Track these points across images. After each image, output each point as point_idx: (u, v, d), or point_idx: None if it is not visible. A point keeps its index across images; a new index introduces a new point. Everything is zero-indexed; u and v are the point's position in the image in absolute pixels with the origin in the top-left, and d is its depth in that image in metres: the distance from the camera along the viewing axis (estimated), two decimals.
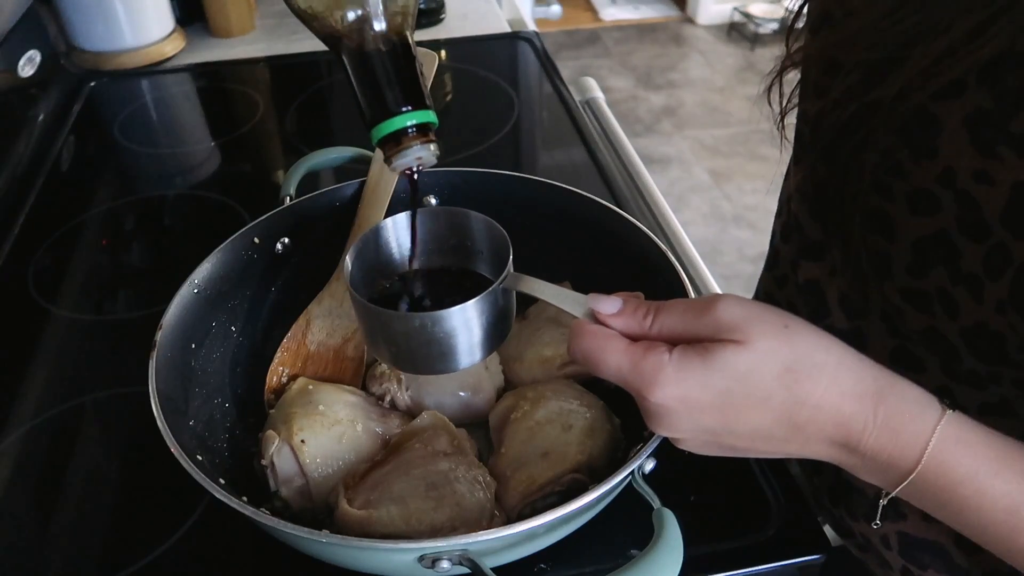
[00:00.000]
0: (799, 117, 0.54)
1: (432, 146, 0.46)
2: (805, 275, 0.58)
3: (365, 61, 0.45)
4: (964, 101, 0.40)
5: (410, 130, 0.45)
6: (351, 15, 0.45)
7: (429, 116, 0.46)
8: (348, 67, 0.46)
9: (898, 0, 0.41)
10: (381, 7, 0.45)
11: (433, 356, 0.50)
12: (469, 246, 0.56)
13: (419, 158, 0.46)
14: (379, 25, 0.45)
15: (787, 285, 0.63)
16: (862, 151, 0.45)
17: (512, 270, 0.50)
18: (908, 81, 0.41)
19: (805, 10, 0.52)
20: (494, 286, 0.49)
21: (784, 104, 0.54)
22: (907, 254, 0.46)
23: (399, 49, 0.45)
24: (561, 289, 0.47)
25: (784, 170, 0.64)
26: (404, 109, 0.45)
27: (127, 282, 0.88)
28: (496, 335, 0.51)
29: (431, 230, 0.56)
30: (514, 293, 0.51)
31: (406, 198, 0.65)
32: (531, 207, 0.70)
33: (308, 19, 0.46)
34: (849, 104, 0.45)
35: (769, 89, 0.53)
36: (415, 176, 0.50)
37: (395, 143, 0.46)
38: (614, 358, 0.42)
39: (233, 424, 0.62)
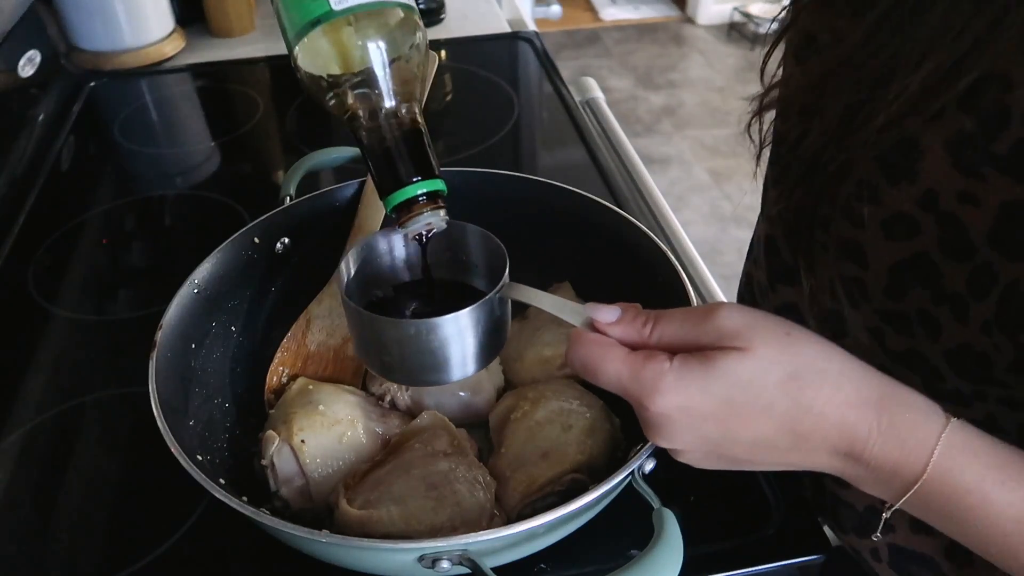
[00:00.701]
0: (778, 139, 0.54)
1: (441, 212, 0.49)
2: (782, 298, 0.57)
3: (376, 136, 0.48)
4: (944, 123, 0.40)
5: (420, 198, 0.48)
6: (362, 95, 0.48)
7: (438, 185, 0.48)
8: (360, 141, 0.49)
9: (871, 30, 0.41)
10: (391, 86, 0.47)
11: (426, 366, 0.50)
12: (465, 260, 0.56)
13: (428, 224, 0.49)
14: (389, 102, 0.48)
15: (743, 304, 0.64)
16: (840, 180, 0.45)
17: (508, 280, 0.50)
18: (887, 118, 0.40)
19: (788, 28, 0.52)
20: (491, 295, 0.49)
21: (762, 139, 0.53)
22: (883, 278, 0.46)
23: (408, 123, 0.48)
24: (558, 299, 0.47)
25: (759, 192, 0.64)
26: (414, 179, 0.47)
27: (127, 282, 0.88)
28: (490, 347, 0.51)
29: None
30: (509, 305, 0.51)
31: None
32: (531, 207, 0.70)
33: (321, 97, 0.49)
34: (828, 143, 0.45)
35: (749, 126, 0.53)
36: (426, 241, 0.53)
37: (407, 211, 0.48)
38: (613, 366, 0.41)
39: (233, 424, 0.62)
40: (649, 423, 0.41)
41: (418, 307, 0.56)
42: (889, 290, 0.46)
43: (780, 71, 0.52)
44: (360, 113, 0.48)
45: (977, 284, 0.41)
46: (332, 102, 0.48)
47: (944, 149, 0.40)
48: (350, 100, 0.48)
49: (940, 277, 0.43)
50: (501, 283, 0.49)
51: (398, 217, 0.49)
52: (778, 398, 0.39)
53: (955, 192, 0.40)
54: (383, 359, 0.52)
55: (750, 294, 0.65)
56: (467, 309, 0.48)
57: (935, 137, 0.41)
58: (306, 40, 0.46)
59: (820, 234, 0.48)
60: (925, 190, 0.42)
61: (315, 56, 0.47)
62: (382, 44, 0.47)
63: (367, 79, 0.47)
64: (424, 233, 0.51)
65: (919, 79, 0.38)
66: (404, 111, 0.48)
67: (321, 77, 0.48)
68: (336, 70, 0.47)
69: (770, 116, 0.53)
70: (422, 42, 0.49)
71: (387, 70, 0.47)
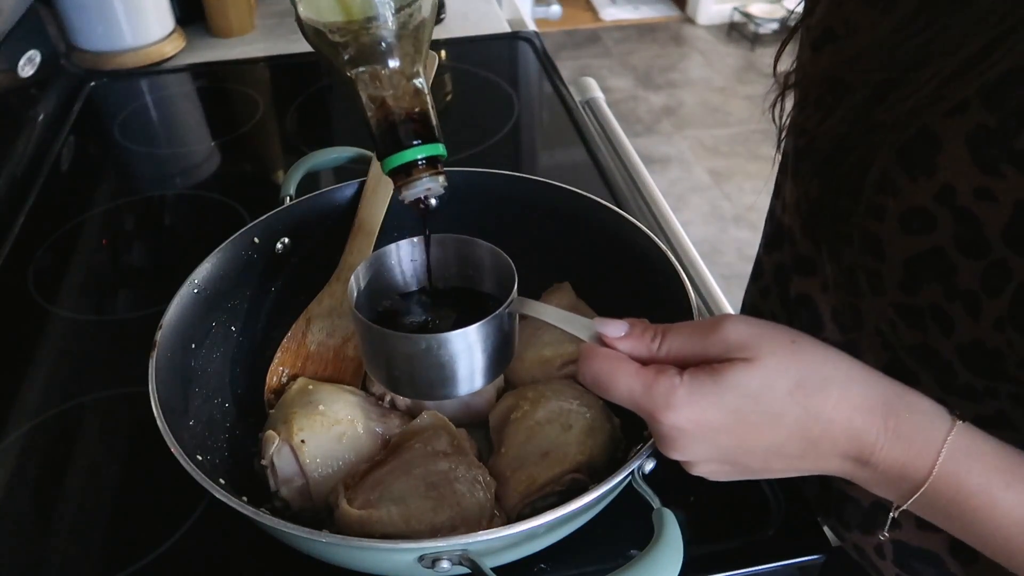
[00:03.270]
0: (795, 131, 0.54)
1: (441, 178, 0.48)
2: (798, 289, 0.58)
3: (378, 97, 0.47)
4: (965, 119, 0.40)
5: (420, 163, 0.47)
6: (368, 53, 0.46)
7: (438, 149, 0.47)
8: (362, 100, 0.47)
9: (907, 16, 0.41)
10: (397, 46, 0.46)
11: (434, 380, 0.50)
12: (473, 275, 0.56)
13: (428, 189, 0.48)
14: (393, 63, 0.46)
15: (770, 297, 0.63)
16: (862, 171, 0.45)
17: (517, 295, 0.50)
18: (916, 102, 0.40)
19: (801, 22, 0.52)
20: (500, 310, 0.49)
21: (784, 120, 0.53)
22: (899, 272, 0.46)
23: (412, 85, 0.47)
24: (566, 313, 0.47)
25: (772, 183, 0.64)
26: (415, 143, 0.46)
27: (127, 282, 0.88)
28: (498, 362, 0.51)
29: (437, 258, 0.56)
30: (517, 320, 0.51)
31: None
32: (531, 207, 0.70)
33: (324, 51, 0.47)
34: (853, 124, 0.44)
35: (773, 106, 0.53)
36: (426, 208, 0.51)
37: (405, 175, 0.47)
38: (625, 381, 0.41)
39: (233, 424, 0.62)
40: (663, 437, 0.41)
41: (426, 318, 0.57)
42: (904, 284, 0.46)
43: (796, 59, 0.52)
44: (363, 71, 0.46)
45: (991, 281, 0.41)
46: (335, 57, 0.47)
47: (964, 144, 0.40)
48: (353, 54, 0.46)
49: (954, 273, 0.43)
50: (510, 298, 0.49)
51: (396, 182, 0.47)
52: (787, 406, 0.39)
53: (972, 188, 0.40)
54: (392, 372, 0.52)
55: (781, 285, 0.62)
56: (476, 324, 0.47)
57: (955, 132, 0.40)
58: None
59: (840, 225, 0.48)
60: (942, 185, 0.42)
61: (317, 4, 0.46)
62: None
63: (372, 33, 0.46)
64: (423, 199, 0.49)
65: (956, 63, 0.38)
66: (408, 72, 0.47)
67: (324, 28, 0.46)
68: (338, 18, 0.46)
69: (789, 103, 0.53)
70: (427, 1, 0.48)
71: (393, 25, 0.46)
